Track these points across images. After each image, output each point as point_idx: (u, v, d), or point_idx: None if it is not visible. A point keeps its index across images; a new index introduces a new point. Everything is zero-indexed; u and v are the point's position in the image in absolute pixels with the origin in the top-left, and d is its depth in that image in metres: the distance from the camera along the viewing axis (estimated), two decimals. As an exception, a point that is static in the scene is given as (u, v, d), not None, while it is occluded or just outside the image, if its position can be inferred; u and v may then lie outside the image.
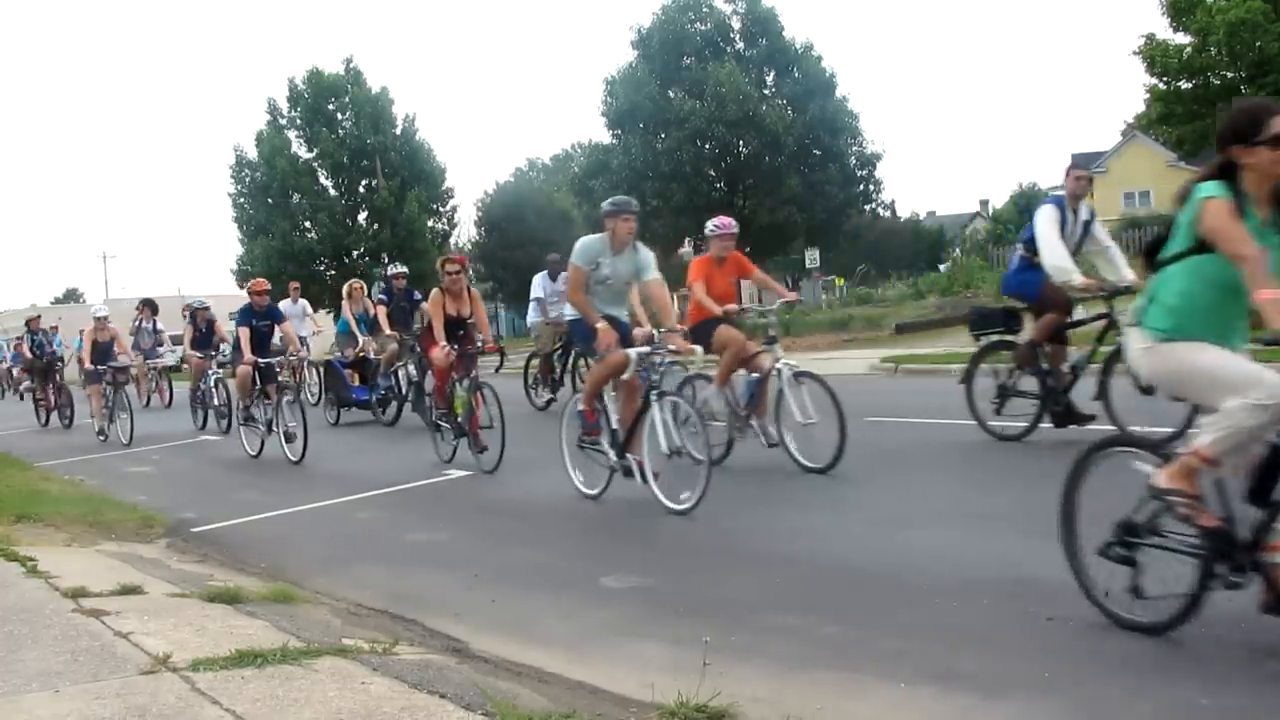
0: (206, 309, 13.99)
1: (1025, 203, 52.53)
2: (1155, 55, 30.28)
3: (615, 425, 6.72)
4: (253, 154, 44.29)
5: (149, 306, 17.33)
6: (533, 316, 13.07)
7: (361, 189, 45.13)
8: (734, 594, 4.65)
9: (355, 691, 3.32)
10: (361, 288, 14.13)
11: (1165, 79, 30.85)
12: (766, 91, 38.54)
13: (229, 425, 12.67)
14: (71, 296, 75.72)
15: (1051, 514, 5.41)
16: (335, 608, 4.90)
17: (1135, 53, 30.79)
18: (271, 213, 43.49)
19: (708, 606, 4.46)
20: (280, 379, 10.62)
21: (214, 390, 13.43)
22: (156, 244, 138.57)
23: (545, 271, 12.92)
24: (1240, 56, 28.87)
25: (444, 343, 8.69)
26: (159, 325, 17.31)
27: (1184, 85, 30.88)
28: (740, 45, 39.34)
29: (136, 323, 17.10)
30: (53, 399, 16.70)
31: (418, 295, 12.58)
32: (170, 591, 5.03)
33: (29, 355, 17.86)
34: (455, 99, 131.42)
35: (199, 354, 13.57)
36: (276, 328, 11.32)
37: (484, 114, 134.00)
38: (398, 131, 45.14)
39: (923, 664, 3.58)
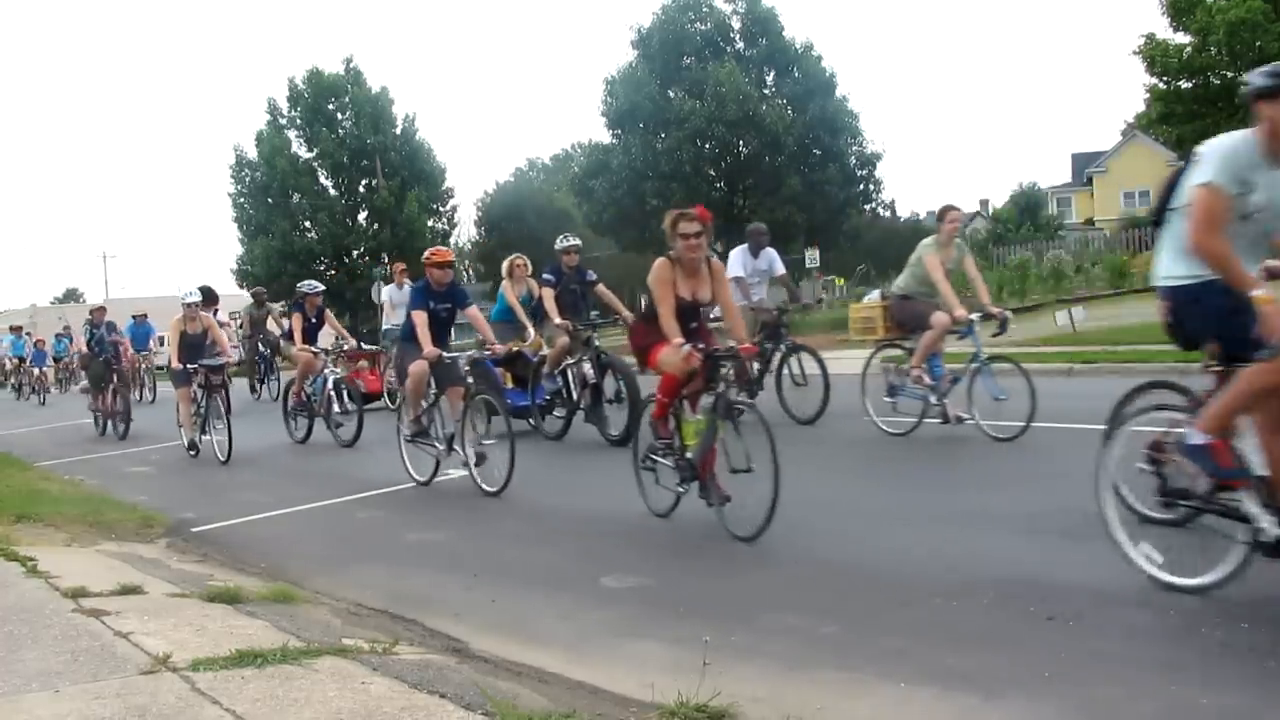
0: (318, 294, 11.95)
1: (1025, 202, 52.52)
2: (1155, 55, 30.27)
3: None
4: (253, 154, 44.32)
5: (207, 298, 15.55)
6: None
7: (361, 189, 45.16)
8: (734, 594, 4.65)
9: (355, 691, 3.32)
10: (525, 264, 11.15)
11: (1165, 79, 30.84)
12: (766, 91, 38.57)
13: (356, 435, 10.67)
14: (71, 296, 75.73)
15: (1052, 514, 5.43)
16: (335, 608, 4.90)
17: (1135, 52, 30.78)
18: (271, 213, 43.52)
19: (708, 606, 4.46)
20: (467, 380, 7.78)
21: (333, 395, 11.02)
22: (156, 244, 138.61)
23: (745, 246, 10.57)
24: (1240, 56, 28.82)
25: (680, 339, 5.70)
26: (221, 318, 16.11)
27: (1184, 85, 30.87)
28: (740, 45, 39.36)
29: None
30: (111, 403, 14.35)
31: (592, 274, 10.37)
32: (170, 591, 5.03)
33: (86, 351, 15.61)
34: (455, 99, 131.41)
35: (311, 348, 11.40)
36: (461, 313, 8.69)
37: (484, 114, 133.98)
38: (398, 131, 45.17)
39: (923, 664, 3.58)
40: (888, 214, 55.04)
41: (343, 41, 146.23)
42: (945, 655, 3.64)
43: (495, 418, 7.68)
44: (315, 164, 44.74)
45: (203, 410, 10.82)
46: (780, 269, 10.56)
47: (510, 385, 10.74)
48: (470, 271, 70.02)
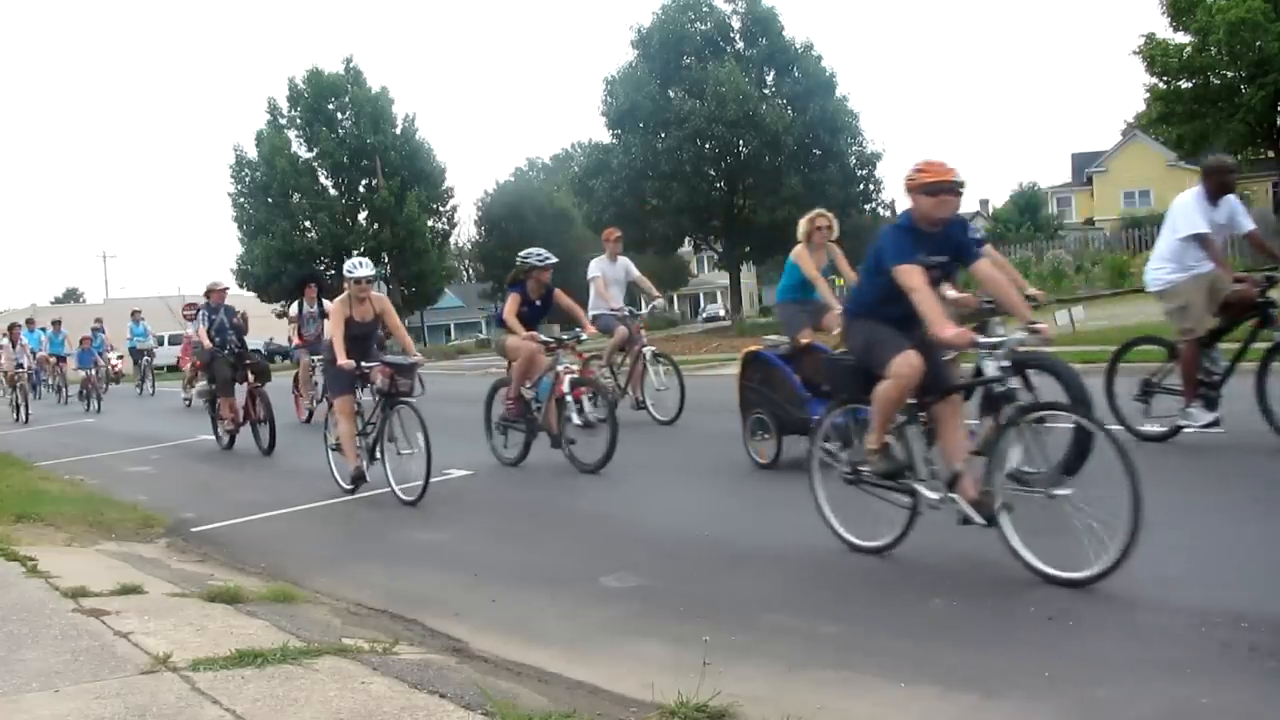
0: (548, 267, 8.53)
1: (1025, 202, 52.53)
2: (1155, 55, 30.29)
3: None
4: (253, 154, 44.33)
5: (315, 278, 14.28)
6: None
7: (361, 189, 45.18)
8: (734, 594, 4.65)
9: (355, 691, 3.33)
10: (830, 223, 8.10)
11: (1165, 79, 30.87)
12: (766, 91, 38.52)
13: (604, 459, 7.71)
14: (71, 296, 75.78)
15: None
16: (335, 607, 4.91)
17: (1135, 52, 30.83)
18: (271, 212, 43.53)
19: (708, 606, 4.46)
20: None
21: (571, 401, 8.13)
22: (156, 244, 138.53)
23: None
24: (1240, 56, 28.86)
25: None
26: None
27: (1184, 85, 30.91)
28: (740, 45, 39.33)
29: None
30: (248, 409, 11.12)
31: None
32: (170, 591, 5.03)
33: (208, 342, 11.63)
34: (455, 99, 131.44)
35: (541, 337, 8.47)
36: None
37: (484, 114, 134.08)
38: (398, 131, 45.19)
39: (923, 664, 3.58)
40: (888, 214, 55.01)
41: (343, 41, 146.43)
42: (945, 655, 3.64)
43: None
44: (315, 164, 44.75)
45: (374, 427, 7.66)
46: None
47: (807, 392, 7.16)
48: (470, 271, 70.12)
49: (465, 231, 64.91)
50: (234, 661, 3.61)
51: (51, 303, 68.87)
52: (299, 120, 44.72)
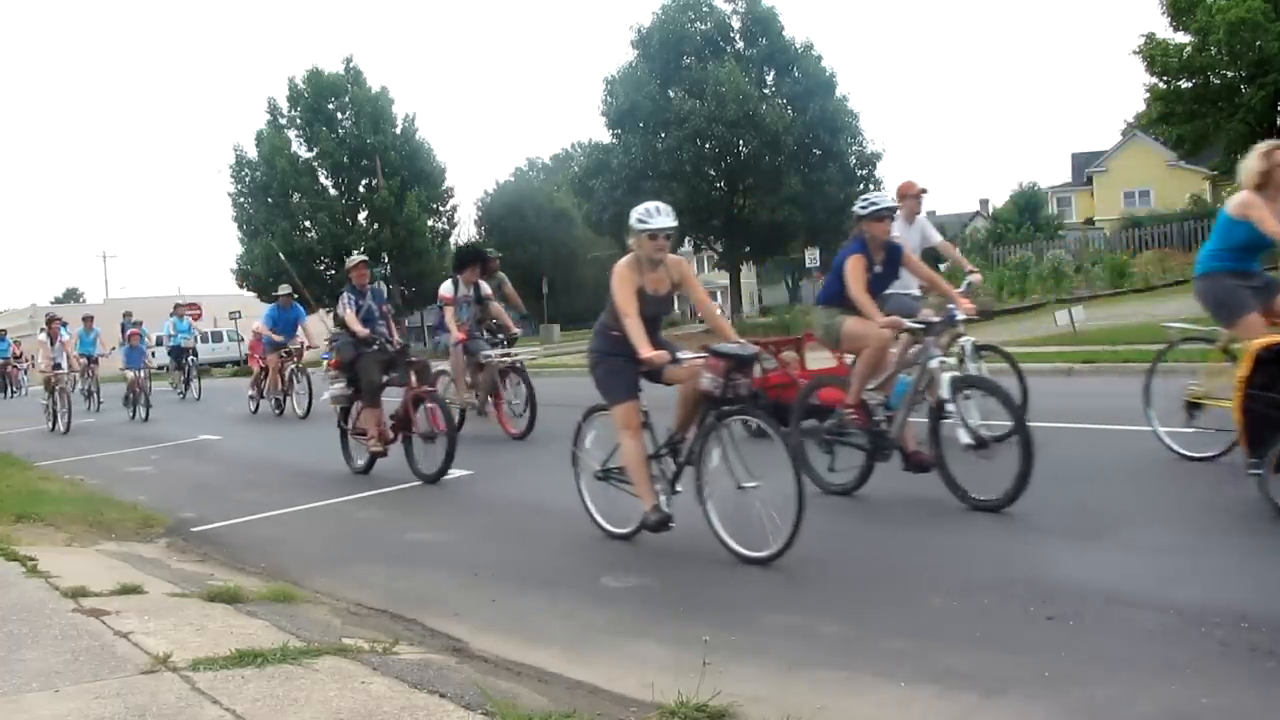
0: (887, 215, 6.23)
1: (1025, 202, 52.51)
2: (1155, 55, 30.30)
3: None
4: (253, 154, 44.35)
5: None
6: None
7: (361, 189, 45.22)
8: (733, 594, 4.65)
9: (355, 691, 3.32)
10: None
11: (1165, 78, 30.88)
12: (766, 91, 38.55)
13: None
14: (71, 296, 75.80)
15: (1052, 514, 5.42)
16: (335, 607, 4.90)
17: (1135, 52, 30.83)
18: (271, 212, 43.56)
19: (708, 606, 4.46)
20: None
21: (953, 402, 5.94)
22: (156, 244, 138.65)
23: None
24: (1240, 56, 28.87)
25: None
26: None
27: (1184, 85, 30.91)
28: (740, 45, 39.36)
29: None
30: (410, 414, 8.42)
31: None
32: (170, 591, 5.03)
33: (362, 330, 8.90)
34: (455, 99, 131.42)
35: (906, 321, 6.11)
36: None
37: (484, 114, 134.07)
38: (398, 131, 45.21)
39: (923, 664, 3.58)
40: (888, 214, 54.92)
41: (343, 41, 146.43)
42: (945, 655, 3.64)
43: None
44: (315, 164, 44.78)
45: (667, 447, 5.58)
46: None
47: None
48: (470, 271, 70.03)
49: (465, 231, 64.88)
50: (234, 661, 3.61)
51: (51, 302, 68.88)
52: (299, 120, 44.75)
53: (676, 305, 7.93)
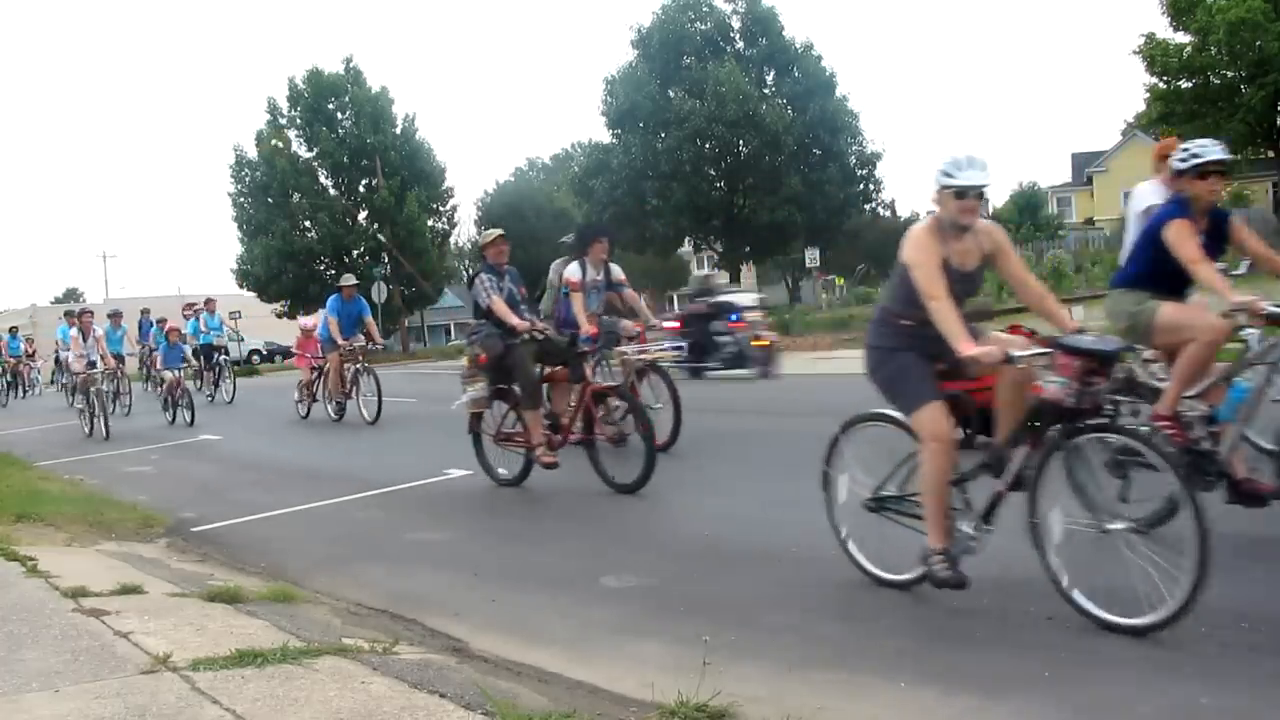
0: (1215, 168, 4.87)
1: (1025, 202, 52.56)
2: (1155, 55, 30.33)
3: None
4: (253, 153, 44.35)
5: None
6: None
7: (361, 189, 45.20)
8: (734, 594, 4.65)
9: (355, 691, 3.32)
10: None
11: (1165, 78, 30.92)
12: (766, 91, 38.58)
13: None
14: (71, 296, 75.76)
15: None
16: (335, 607, 4.91)
17: (1135, 52, 30.90)
18: (271, 212, 43.55)
19: (708, 606, 4.46)
20: None
21: None
22: (156, 244, 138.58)
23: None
24: (1240, 56, 28.90)
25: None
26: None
27: (1184, 85, 30.94)
28: (740, 45, 39.39)
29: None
30: (567, 427, 7.37)
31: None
32: (170, 591, 5.03)
33: (517, 321, 7.48)
34: (455, 99, 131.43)
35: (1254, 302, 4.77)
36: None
37: (484, 114, 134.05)
38: (398, 131, 45.19)
39: (923, 664, 3.58)
40: (888, 214, 55.08)
41: (343, 41, 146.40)
42: (945, 655, 3.64)
43: None
44: (315, 163, 44.77)
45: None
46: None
47: None
48: (470, 271, 70.11)
49: (465, 231, 64.93)
50: (234, 661, 3.61)
51: (51, 302, 68.90)
52: (299, 120, 44.74)
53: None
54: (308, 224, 44.53)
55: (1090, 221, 49.01)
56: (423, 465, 8.92)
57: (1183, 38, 30.40)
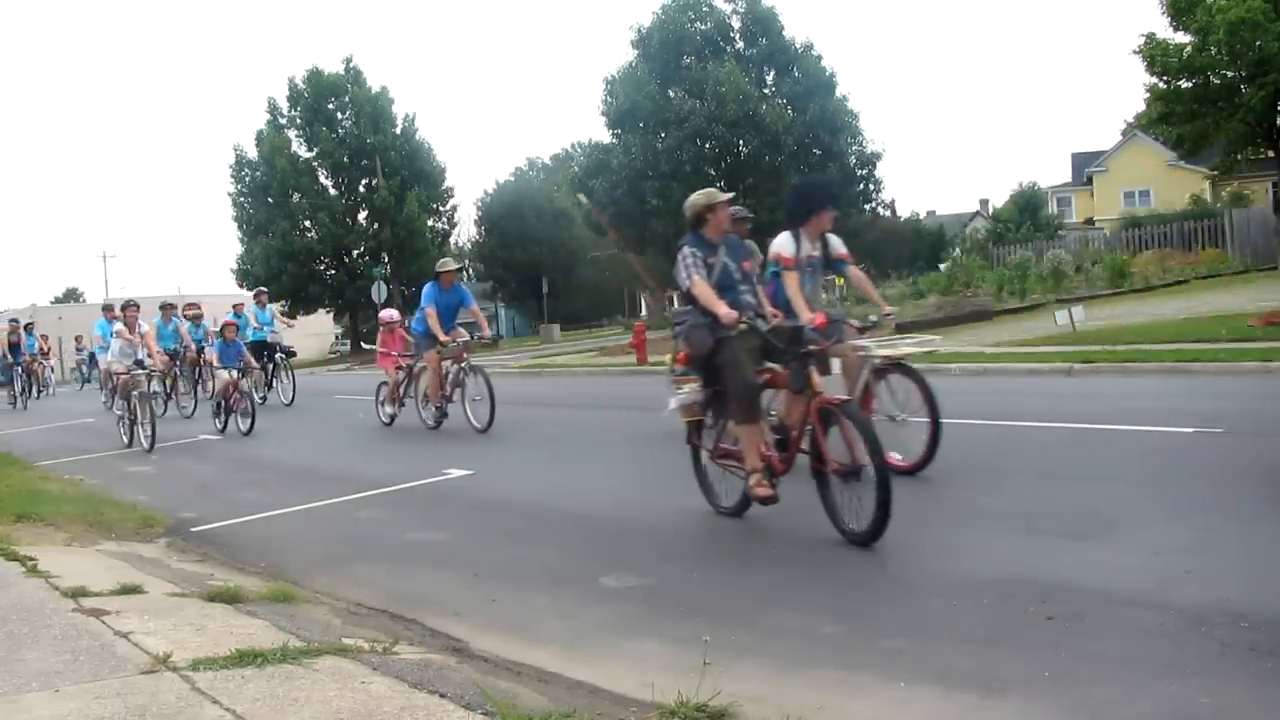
0: None
1: (1025, 202, 52.55)
2: (1155, 54, 30.31)
3: None
4: (253, 153, 44.37)
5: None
6: None
7: (361, 189, 45.25)
8: (734, 594, 4.65)
9: (355, 691, 3.32)
10: None
11: (1165, 78, 30.89)
12: (766, 91, 38.60)
13: None
14: (71, 296, 75.77)
15: (1051, 514, 5.43)
16: (335, 607, 4.91)
17: (1135, 52, 30.85)
18: (271, 212, 43.60)
19: (708, 606, 4.46)
20: None
21: None
22: (156, 244, 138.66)
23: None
24: (1240, 56, 28.88)
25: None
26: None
27: (1184, 84, 30.92)
28: (740, 45, 39.41)
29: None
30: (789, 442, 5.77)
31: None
32: (170, 591, 5.03)
33: (728, 315, 5.63)
34: (455, 99, 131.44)
35: None
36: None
37: (484, 114, 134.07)
38: (398, 131, 45.26)
39: (923, 663, 3.58)
40: (888, 214, 55.08)
41: (343, 41, 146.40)
42: (945, 655, 3.64)
43: None
44: (315, 163, 44.81)
45: None
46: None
47: None
48: (470, 271, 70.11)
49: (465, 231, 64.94)
50: (234, 661, 3.61)
51: (51, 302, 68.91)
52: (299, 120, 44.79)
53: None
54: (308, 224, 44.59)
55: (1090, 221, 48.98)
56: (423, 465, 8.92)
57: (1183, 38, 30.37)
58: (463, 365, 11.17)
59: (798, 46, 38.88)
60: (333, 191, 45.23)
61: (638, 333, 19.96)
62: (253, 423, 12.81)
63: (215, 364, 13.69)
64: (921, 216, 69.13)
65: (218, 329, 14.90)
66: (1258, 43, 28.37)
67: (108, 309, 18.40)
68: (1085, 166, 54.44)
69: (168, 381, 16.07)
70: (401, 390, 12.42)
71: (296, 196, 43.76)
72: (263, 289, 18.94)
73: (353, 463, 9.92)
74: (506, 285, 60.84)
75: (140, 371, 12.35)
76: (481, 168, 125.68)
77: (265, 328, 17.30)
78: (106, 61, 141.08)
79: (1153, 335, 13.37)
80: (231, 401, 13.18)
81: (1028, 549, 4.86)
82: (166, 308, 17.25)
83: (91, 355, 28.44)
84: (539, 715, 3.11)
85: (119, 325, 13.38)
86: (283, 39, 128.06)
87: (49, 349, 27.97)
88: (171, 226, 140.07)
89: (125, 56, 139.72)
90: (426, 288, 11.38)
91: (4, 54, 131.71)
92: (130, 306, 13.33)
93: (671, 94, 37.34)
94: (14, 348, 23.71)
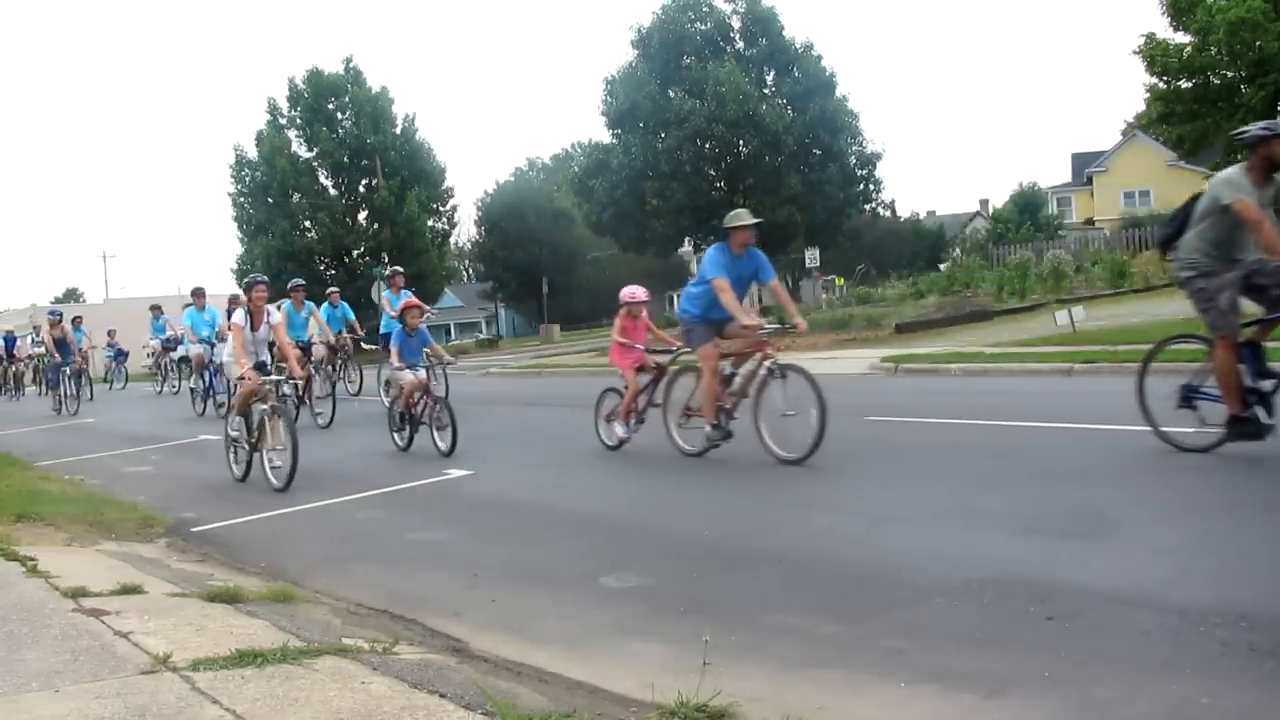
0: None
1: (1025, 202, 52.56)
2: (1155, 55, 30.30)
3: None
4: (253, 153, 44.37)
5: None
6: None
7: (361, 189, 45.26)
8: (734, 594, 4.65)
9: (355, 691, 3.32)
10: None
11: (1165, 78, 30.89)
12: (766, 91, 38.60)
13: None
14: (71, 296, 75.77)
15: (1052, 514, 5.43)
16: (335, 607, 4.90)
17: (1135, 52, 30.84)
18: (271, 212, 43.60)
19: (708, 606, 4.46)
20: None
21: None
22: (156, 244, 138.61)
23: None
24: (1240, 56, 28.87)
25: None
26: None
27: (1184, 85, 30.92)
28: (740, 45, 39.41)
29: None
30: None
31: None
32: (170, 591, 5.03)
33: None
34: (455, 99, 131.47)
35: None
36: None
37: (484, 114, 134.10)
38: (398, 131, 45.27)
39: (923, 664, 3.58)
40: (888, 214, 55.12)
41: (343, 41, 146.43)
42: (945, 655, 3.64)
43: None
44: (315, 164, 44.81)
45: None
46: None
47: None
48: (470, 271, 70.18)
49: (465, 231, 64.99)
50: (234, 661, 3.61)
51: (52, 302, 68.86)
52: (299, 120, 44.79)
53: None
54: (308, 224, 44.59)
55: (1090, 221, 48.98)
56: (423, 465, 8.92)
57: (1183, 38, 30.36)
58: (770, 364, 7.62)
59: (798, 46, 38.87)
60: (333, 191, 45.23)
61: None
62: (454, 438, 9.28)
63: (396, 361, 9.92)
64: (921, 216, 69.18)
65: (394, 312, 11.77)
66: (1258, 43, 28.37)
67: (198, 294, 15.94)
68: (1085, 166, 54.43)
69: (300, 384, 12.55)
70: (644, 399, 8.81)
71: (296, 196, 43.76)
72: (334, 289, 16.20)
73: (353, 463, 9.90)
74: (506, 285, 60.86)
75: (269, 380, 8.59)
76: (481, 168, 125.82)
77: (334, 322, 15.28)
78: (107, 62, 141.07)
79: (1153, 335, 13.27)
80: (419, 410, 9.78)
81: (1028, 549, 4.86)
82: (296, 289, 15.00)
83: (122, 353, 26.80)
84: (539, 715, 3.10)
85: (236, 316, 9.55)
86: (283, 39, 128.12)
87: (94, 345, 24.76)
88: (171, 226, 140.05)
89: (125, 57, 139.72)
90: (711, 252, 7.98)
91: (4, 54, 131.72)
92: (258, 285, 9.65)
93: (671, 94, 37.33)
94: (61, 344, 19.21)
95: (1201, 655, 3.41)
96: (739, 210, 8.27)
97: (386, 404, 11.59)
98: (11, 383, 26.73)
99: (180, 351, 19.84)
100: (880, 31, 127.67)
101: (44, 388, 22.81)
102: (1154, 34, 30.78)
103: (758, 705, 3.28)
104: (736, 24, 39.58)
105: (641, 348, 8.88)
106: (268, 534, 6.96)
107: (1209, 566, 4.37)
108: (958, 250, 44.77)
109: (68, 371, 19.10)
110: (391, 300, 14.16)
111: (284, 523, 7.30)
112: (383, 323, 14.45)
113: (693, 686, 3.23)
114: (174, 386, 20.91)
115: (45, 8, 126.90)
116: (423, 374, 9.89)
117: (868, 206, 42.39)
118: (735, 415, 7.93)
